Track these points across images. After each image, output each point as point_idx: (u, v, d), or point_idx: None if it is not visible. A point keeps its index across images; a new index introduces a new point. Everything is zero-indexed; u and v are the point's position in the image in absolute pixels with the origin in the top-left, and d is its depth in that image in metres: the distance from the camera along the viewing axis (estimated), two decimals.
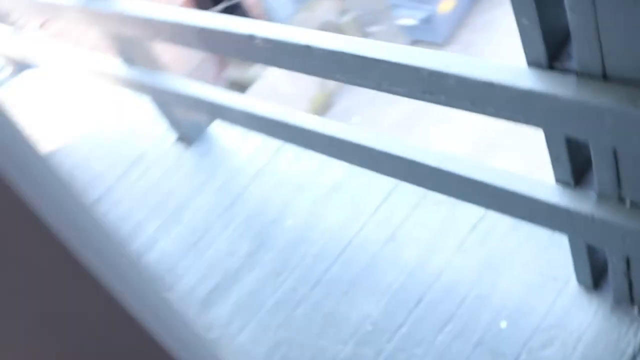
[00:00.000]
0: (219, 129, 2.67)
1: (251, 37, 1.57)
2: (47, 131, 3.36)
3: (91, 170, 2.93)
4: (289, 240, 2.18)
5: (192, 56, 13.01)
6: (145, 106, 2.72)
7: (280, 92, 10.47)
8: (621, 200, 1.22)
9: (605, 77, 1.03)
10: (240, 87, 12.75)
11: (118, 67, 2.43)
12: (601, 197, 1.25)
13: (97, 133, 3.13)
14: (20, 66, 3.82)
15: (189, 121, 2.65)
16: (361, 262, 2.00)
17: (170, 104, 2.49)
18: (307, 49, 1.46)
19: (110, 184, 2.78)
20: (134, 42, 2.29)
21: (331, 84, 12.42)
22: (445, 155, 1.51)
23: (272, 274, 2.11)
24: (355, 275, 1.97)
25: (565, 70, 1.08)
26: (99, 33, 2.30)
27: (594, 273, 1.57)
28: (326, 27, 14.29)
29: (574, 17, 0.99)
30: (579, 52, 1.03)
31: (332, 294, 1.96)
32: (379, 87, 1.40)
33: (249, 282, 2.13)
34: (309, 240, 2.14)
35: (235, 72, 12.99)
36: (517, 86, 1.11)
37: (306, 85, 12.34)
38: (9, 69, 3.95)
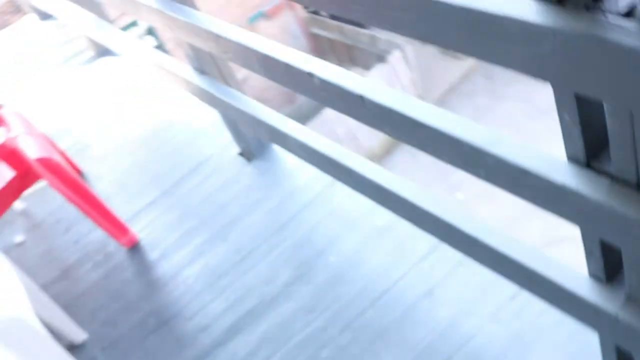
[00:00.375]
0: (281, 149, 2.76)
1: (310, 75, 1.65)
2: (114, 122, 3.53)
3: (151, 170, 3.07)
4: (329, 277, 2.24)
5: (293, 46, 13.24)
6: (213, 115, 2.84)
7: None
8: None
9: (638, 187, 1.05)
10: None
11: (189, 73, 2.56)
12: (629, 300, 1.27)
13: (162, 133, 3.28)
14: (101, 52, 4.03)
15: (253, 137, 2.75)
16: (394, 312, 2.04)
17: (235, 119, 2.59)
18: (360, 99, 1.52)
19: (167, 187, 2.91)
20: (206, 53, 2.40)
21: (430, 98, 12.50)
22: (483, 224, 1.54)
23: (306, 309, 2.18)
24: (385, 326, 2.02)
25: (601, 172, 1.11)
26: (175, 38, 2.42)
27: None
28: None
29: (612, 123, 1.02)
30: (614, 157, 1.06)
31: (360, 341, 2.02)
32: (423, 149, 1.45)
33: (281, 313, 2.21)
34: (348, 281, 2.20)
35: None
36: (551, 179, 1.14)
37: (405, 90, 12.37)
38: (90, 53, 4.17)
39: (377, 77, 12.30)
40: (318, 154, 2.00)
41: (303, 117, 10.82)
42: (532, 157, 1.19)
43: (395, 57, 12.36)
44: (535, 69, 1.02)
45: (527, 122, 10.93)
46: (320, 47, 13.71)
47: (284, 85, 1.82)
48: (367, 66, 12.67)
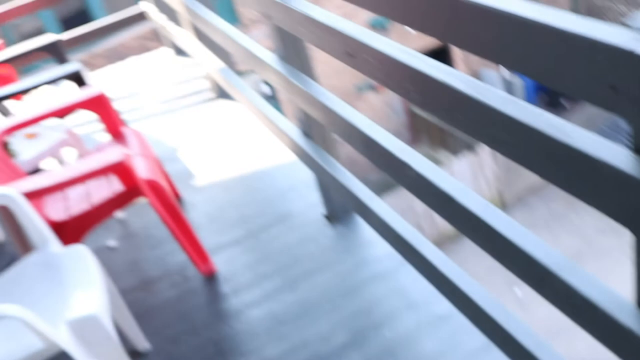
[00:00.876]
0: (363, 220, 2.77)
1: (406, 167, 1.66)
2: (219, 159, 3.62)
3: (242, 211, 3.13)
4: (381, 350, 2.22)
5: (392, 120, 13.36)
6: (308, 174, 2.88)
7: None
8: None
9: None
10: None
11: (294, 133, 2.61)
12: None
13: (259, 179, 3.34)
14: (221, 94, 4.16)
15: (340, 203, 2.77)
16: None
17: (327, 183, 2.62)
18: (449, 200, 1.52)
19: (252, 230, 2.96)
20: (314, 120, 2.45)
21: (509, 194, 12.32)
22: (539, 342, 1.51)
23: None
24: None
25: None
26: (290, 100, 2.48)
27: None
28: None
29: None
30: None
31: None
32: (498, 259, 1.44)
33: None
34: (398, 358, 2.17)
35: (424, 149, 13.21)
36: (618, 319, 1.11)
37: (485, 186, 12.26)
38: (211, 94, 4.30)
39: (463, 164, 12.24)
40: (393, 233, 2.00)
41: (389, 185, 10.81)
42: (602, 293, 1.16)
43: (484, 149, 12.29)
44: (618, 214, 1.01)
45: (598, 237, 10.64)
46: (417, 125, 13.75)
47: (380, 168, 1.83)
48: (455, 152, 12.63)
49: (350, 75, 12.28)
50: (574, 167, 1.03)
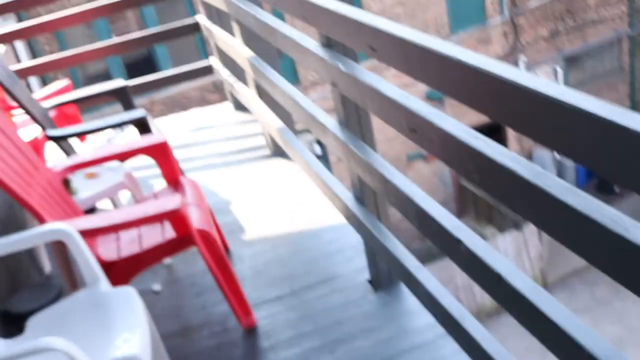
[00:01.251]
0: (406, 289, 2.77)
1: (458, 242, 1.69)
2: (270, 216, 3.68)
3: (288, 269, 3.16)
4: None
5: (440, 191, 13.36)
6: (356, 238, 2.91)
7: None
8: None
9: None
10: None
11: (347, 198, 2.66)
12: None
13: (308, 240, 3.38)
14: (277, 152, 4.24)
15: (385, 270, 2.79)
16: None
17: (374, 250, 2.64)
18: (498, 279, 1.53)
19: (296, 288, 2.99)
20: (369, 188, 2.49)
21: (552, 275, 12.13)
22: None
23: None
24: None
25: None
26: (346, 165, 2.53)
27: None
28: None
29: None
30: None
31: None
32: (542, 340, 1.44)
33: None
34: None
35: (469, 223, 13.13)
36: None
37: (528, 265, 12.09)
38: (267, 150, 4.39)
39: (508, 241, 12.12)
40: (438, 305, 2.01)
41: (430, 255, 10.74)
42: None
43: (530, 228, 12.17)
44: None
45: None
46: (464, 198, 13.72)
47: (431, 240, 1.86)
48: (501, 228, 12.53)
49: (401, 144, 12.36)
50: (629, 260, 1.05)
